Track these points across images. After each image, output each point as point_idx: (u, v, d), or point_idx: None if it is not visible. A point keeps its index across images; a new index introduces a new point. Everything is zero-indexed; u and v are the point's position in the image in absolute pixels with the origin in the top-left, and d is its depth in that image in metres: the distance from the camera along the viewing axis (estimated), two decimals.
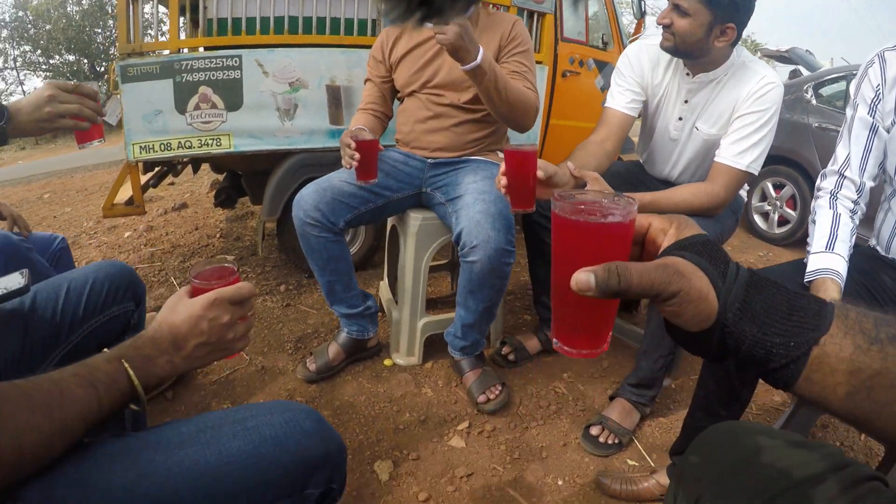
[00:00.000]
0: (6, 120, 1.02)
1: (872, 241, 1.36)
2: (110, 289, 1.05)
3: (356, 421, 1.69)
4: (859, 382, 0.42)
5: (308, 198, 1.68)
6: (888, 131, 1.24)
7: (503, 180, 1.21)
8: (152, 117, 2.05)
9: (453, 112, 1.78)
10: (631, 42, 3.66)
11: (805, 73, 6.73)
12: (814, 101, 4.05)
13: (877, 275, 1.26)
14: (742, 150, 1.50)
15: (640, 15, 3.76)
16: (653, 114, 1.72)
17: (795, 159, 3.92)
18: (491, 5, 2.28)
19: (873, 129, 1.25)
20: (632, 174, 1.91)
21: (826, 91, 4.14)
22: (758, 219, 4.27)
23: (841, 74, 4.09)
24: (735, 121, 1.52)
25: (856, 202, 1.29)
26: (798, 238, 3.97)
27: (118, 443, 0.67)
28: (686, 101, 1.62)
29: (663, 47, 1.56)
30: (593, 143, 1.60)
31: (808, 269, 1.22)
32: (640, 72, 1.66)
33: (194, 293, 0.77)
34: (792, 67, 7.02)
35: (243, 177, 2.62)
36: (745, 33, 1.53)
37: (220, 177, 3.05)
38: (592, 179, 1.37)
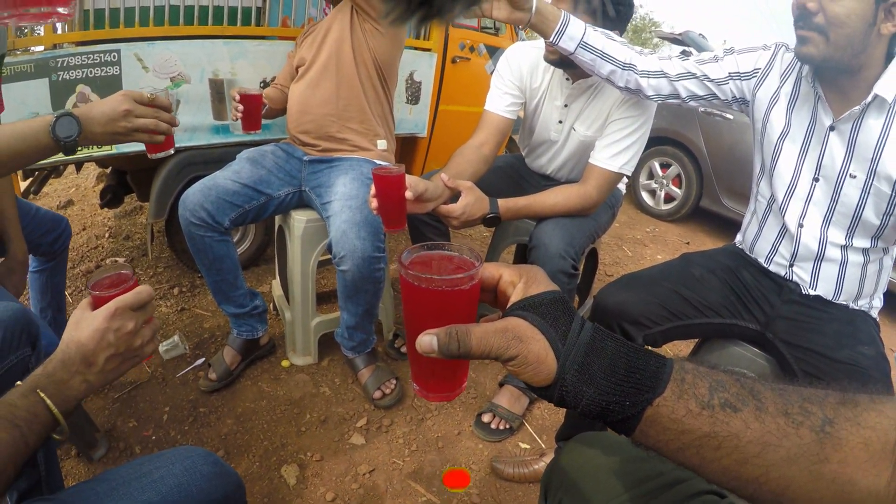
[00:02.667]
0: (78, 133, 0.97)
1: (739, 239, 1.47)
2: (5, 337, 0.97)
3: (259, 427, 1.70)
4: (689, 441, 0.45)
5: (193, 198, 1.67)
6: (758, 129, 1.31)
7: (374, 202, 1.24)
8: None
9: (324, 89, 1.85)
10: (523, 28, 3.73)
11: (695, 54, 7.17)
12: None
13: (739, 271, 1.37)
14: (615, 153, 1.56)
15: None
16: (532, 114, 1.79)
17: (681, 140, 4.20)
18: None
19: (716, 82, 1.31)
20: (513, 169, 1.98)
21: None
22: (645, 196, 4.56)
23: None
24: (610, 124, 1.59)
25: (643, 73, 1.34)
26: (683, 214, 4.28)
27: None
28: (566, 105, 1.69)
29: (548, 60, 1.59)
30: (471, 147, 1.64)
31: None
32: (518, 75, 1.70)
33: (95, 304, 0.76)
34: (682, 49, 7.45)
35: (129, 174, 2.48)
36: (643, 13, 1.60)
37: (106, 170, 2.87)
38: (466, 189, 1.43)
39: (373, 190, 1.24)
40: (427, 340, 0.47)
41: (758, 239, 1.37)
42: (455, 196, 1.44)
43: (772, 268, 1.33)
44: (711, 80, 1.31)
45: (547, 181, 1.91)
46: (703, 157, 4.03)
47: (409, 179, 1.24)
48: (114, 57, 1.95)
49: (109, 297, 0.75)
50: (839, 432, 0.43)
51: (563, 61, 1.54)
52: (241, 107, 1.71)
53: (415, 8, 0.44)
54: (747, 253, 1.41)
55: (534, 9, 1.23)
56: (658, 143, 4.34)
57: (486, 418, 1.75)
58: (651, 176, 4.52)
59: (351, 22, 1.79)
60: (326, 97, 1.84)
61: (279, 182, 1.82)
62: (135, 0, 2.02)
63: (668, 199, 4.40)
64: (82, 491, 0.72)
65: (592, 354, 0.46)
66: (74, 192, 3.64)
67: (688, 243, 3.92)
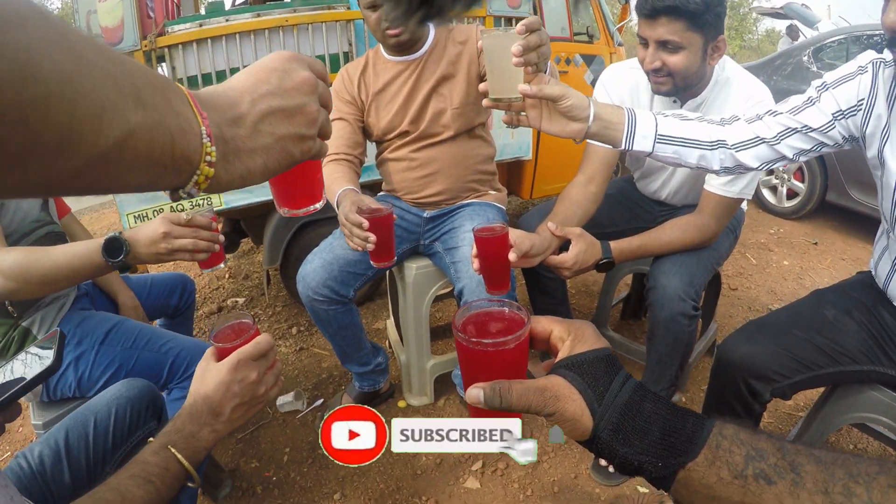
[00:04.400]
0: (125, 254, 1.07)
1: (871, 268, 1.28)
2: (132, 413, 1.06)
3: (375, 469, 1.73)
4: None
5: (315, 275, 1.62)
6: (875, 167, 1.13)
7: (476, 263, 1.21)
8: None
9: (445, 150, 1.70)
10: (618, 28, 3.58)
11: (802, 28, 6.56)
12: (814, 68, 3.93)
13: (877, 311, 1.20)
14: (731, 178, 1.42)
15: (625, 0, 3.67)
16: None
17: None
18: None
19: (820, 130, 1.11)
20: (624, 196, 1.86)
21: (826, 56, 4.00)
22: (766, 193, 4.20)
23: (842, 37, 3.94)
24: None
25: (737, 146, 1.13)
26: (809, 211, 3.90)
27: None
28: None
29: (660, 93, 1.45)
30: (577, 186, 1.55)
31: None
32: (619, 101, 1.60)
33: (218, 355, 0.81)
34: (788, 23, 6.85)
35: (242, 221, 2.65)
36: None
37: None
38: (576, 237, 1.36)
39: (474, 250, 1.19)
40: (475, 393, 0.52)
41: (891, 280, 1.18)
42: (564, 246, 1.38)
43: None
44: (815, 130, 1.11)
45: (661, 207, 1.80)
46: None
47: (514, 236, 1.19)
48: None
49: (232, 349, 0.79)
50: None
51: (678, 88, 1.42)
52: (372, 237, 1.29)
53: (415, 7, 0.44)
54: (880, 288, 1.23)
55: (591, 116, 1.03)
56: None
57: (603, 461, 1.66)
58: (770, 171, 4.15)
59: (468, 80, 1.63)
60: (442, 166, 1.71)
61: (397, 240, 1.69)
62: (224, 62, 2.14)
63: (791, 194, 4.02)
64: None
65: (628, 415, 0.48)
66: None
67: (815, 243, 3.55)
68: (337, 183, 1.52)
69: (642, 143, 1.09)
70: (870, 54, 1.10)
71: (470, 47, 1.63)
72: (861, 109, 1.09)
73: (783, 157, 1.14)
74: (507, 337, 0.52)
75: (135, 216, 2.13)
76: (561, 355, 0.54)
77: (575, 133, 1.04)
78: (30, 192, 0.31)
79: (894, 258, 1.17)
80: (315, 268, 1.63)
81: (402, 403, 2.02)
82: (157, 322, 1.82)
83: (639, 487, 1.63)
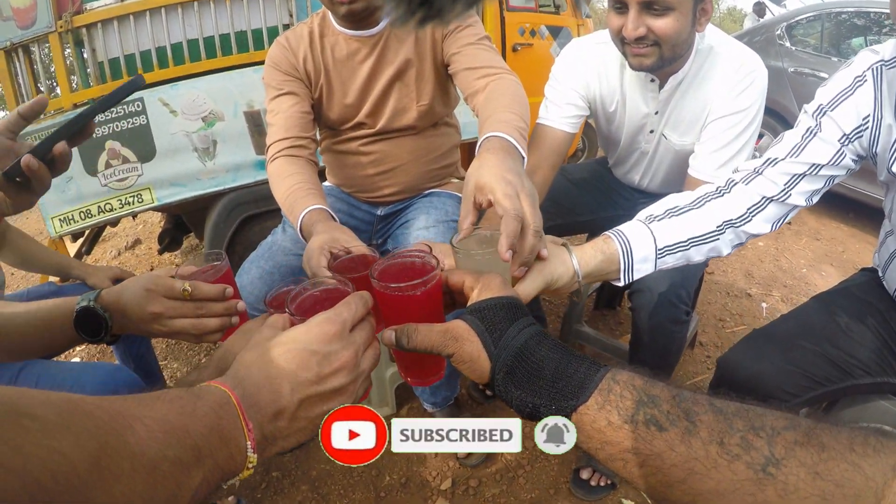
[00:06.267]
0: (106, 332, 0.79)
1: (877, 264, 1.13)
2: None
3: (336, 493, 1.57)
4: (614, 453, 0.44)
5: (252, 288, 1.35)
6: (884, 184, 0.99)
7: None
8: (64, 185, 1.87)
9: (405, 144, 1.46)
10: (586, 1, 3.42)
11: (769, 5, 6.52)
12: (787, 44, 3.84)
13: (891, 316, 1.06)
14: (723, 163, 1.24)
15: None
16: (609, 123, 1.49)
17: (771, 107, 3.74)
18: None
19: (831, 164, 0.94)
20: (600, 181, 1.69)
21: (799, 32, 3.92)
22: None
23: (814, 14, 3.86)
24: (711, 125, 1.26)
25: (745, 217, 0.93)
26: None
27: None
28: (656, 113, 1.37)
29: (642, 67, 1.22)
30: None
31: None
32: (583, 81, 1.40)
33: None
34: (756, 0, 6.83)
35: (185, 216, 2.42)
36: None
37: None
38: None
39: None
40: (387, 335, 0.54)
41: None
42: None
43: None
44: (825, 166, 0.94)
45: (640, 194, 1.64)
46: None
47: (440, 251, 0.74)
48: (138, 106, 1.88)
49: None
50: (787, 477, 0.38)
51: (665, 60, 1.20)
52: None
53: (415, 8, 0.40)
54: (891, 294, 1.10)
55: (580, 275, 0.81)
56: None
57: (584, 474, 1.52)
58: None
59: (434, 66, 1.37)
60: (402, 162, 1.47)
61: None
62: (150, 42, 1.92)
63: None
64: None
65: (521, 359, 0.49)
66: (141, 228, 3.67)
67: (789, 223, 3.48)
68: (297, 194, 1.13)
69: (643, 269, 0.87)
70: (866, 58, 0.93)
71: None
72: (867, 128, 0.92)
73: (795, 207, 0.96)
74: (415, 281, 0.56)
75: (60, 219, 1.91)
76: (469, 303, 0.56)
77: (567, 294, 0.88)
78: None
79: None
80: (252, 279, 1.36)
81: None
82: None
83: (623, 500, 1.51)
